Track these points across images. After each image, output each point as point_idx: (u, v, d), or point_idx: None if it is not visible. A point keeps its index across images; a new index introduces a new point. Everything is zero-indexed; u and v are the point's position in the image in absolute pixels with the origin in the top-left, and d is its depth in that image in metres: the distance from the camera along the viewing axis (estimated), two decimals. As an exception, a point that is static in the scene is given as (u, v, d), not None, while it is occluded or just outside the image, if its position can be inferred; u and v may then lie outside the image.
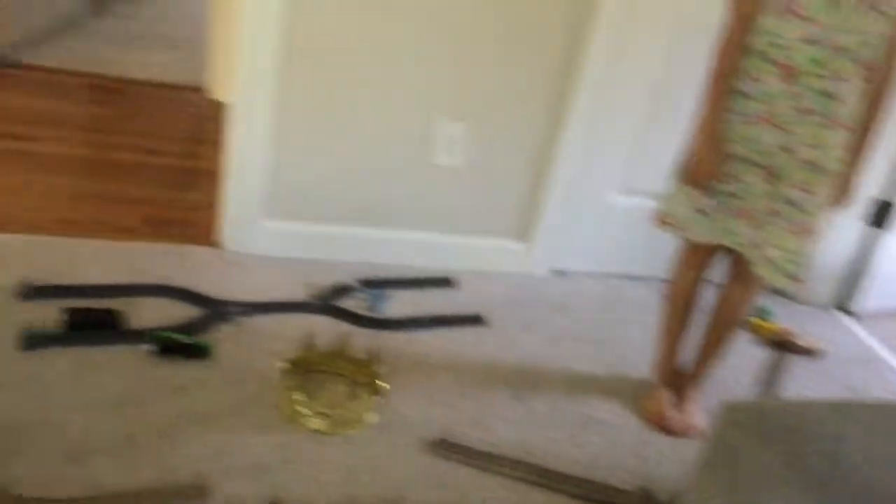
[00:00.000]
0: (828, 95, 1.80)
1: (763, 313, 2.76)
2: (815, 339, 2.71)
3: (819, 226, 1.93)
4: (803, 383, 2.49)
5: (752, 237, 1.95)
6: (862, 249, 2.97)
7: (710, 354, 2.18)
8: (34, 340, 1.92)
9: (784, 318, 2.79)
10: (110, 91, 3.52)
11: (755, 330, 2.71)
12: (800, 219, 1.90)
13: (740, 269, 2.03)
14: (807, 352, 2.64)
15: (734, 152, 1.90)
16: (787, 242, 1.91)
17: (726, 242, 2.01)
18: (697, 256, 2.09)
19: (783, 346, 2.63)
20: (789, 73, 1.80)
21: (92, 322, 2.02)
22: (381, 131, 2.52)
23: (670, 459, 2.04)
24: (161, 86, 3.67)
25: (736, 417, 1.59)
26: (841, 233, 2.88)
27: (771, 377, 2.42)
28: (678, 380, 2.22)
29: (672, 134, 2.44)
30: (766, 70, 1.82)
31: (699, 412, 2.17)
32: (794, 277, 1.94)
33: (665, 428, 2.13)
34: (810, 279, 2.90)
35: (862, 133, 1.88)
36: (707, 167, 1.91)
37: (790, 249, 1.92)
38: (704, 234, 2.01)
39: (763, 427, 1.54)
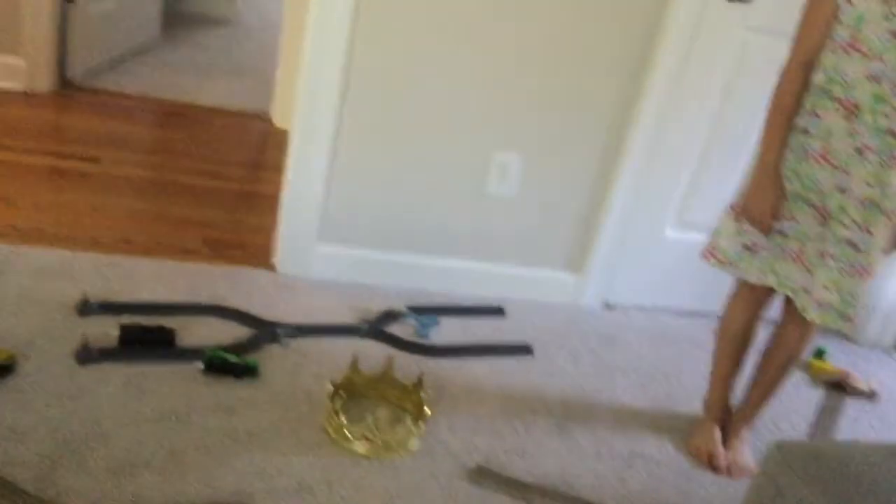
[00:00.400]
0: (890, 134, 1.76)
1: (819, 353, 2.69)
2: (873, 381, 2.63)
3: (877, 266, 1.88)
4: (859, 426, 2.42)
5: (802, 281, 1.92)
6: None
7: (763, 394, 2.13)
8: (89, 355, 1.98)
9: (841, 359, 2.72)
10: (177, 116, 3.63)
11: (811, 370, 2.64)
12: (855, 259, 1.85)
13: (794, 310, 1.99)
14: (863, 394, 2.56)
15: (788, 190, 1.87)
16: (841, 284, 1.87)
17: (773, 285, 1.97)
18: (751, 295, 2.05)
19: (839, 387, 2.56)
20: (850, 111, 1.77)
21: (145, 339, 2.07)
22: (436, 160, 2.55)
23: (716, 498, 1.99)
24: (226, 112, 3.77)
25: (786, 458, 1.55)
26: (904, 273, 2.81)
27: (825, 419, 2.36)
28: (729, 417, 2.18)
29: (729, 169, 2.44)
30: (827, 106, 1.79)
31: (748, 451, 2.12)
32: (849, 319, 1.89)
33: (712, 465, 2.09)
34: (871, 319, 2.86)
35: None
36: (765, 205, 1.88)
37: (845, 290, 1.87)
38: (752, 272, 1.97)
39: (813, 469, 1.50)
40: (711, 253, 2.01)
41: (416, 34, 2.39)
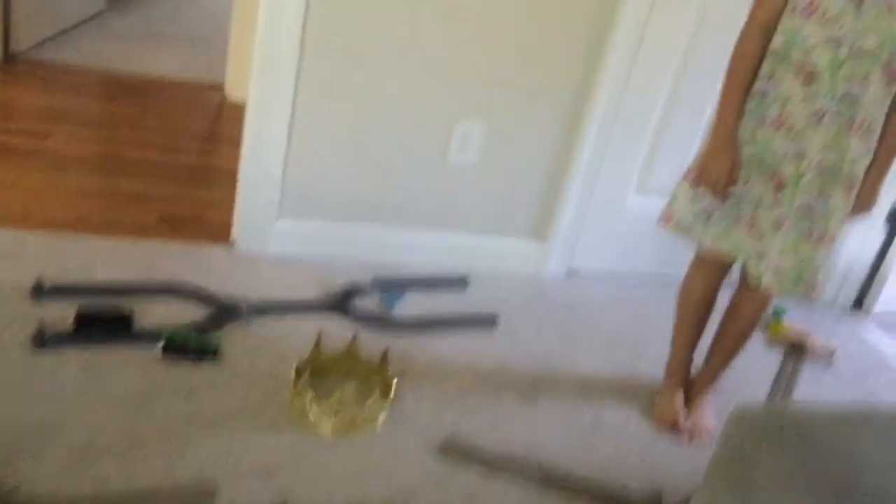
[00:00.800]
0: (848, 100, 1.75)
1: (777, 314, 2.72)
2: (831, 341, 2.67)
3: (837, 232, 1.88)
4: (818, 387, 2.46)
5: (756, 247, 1.92)
6: (881, 252, 2.93)
7: (723, 359, 2.16)
8: (45, 340, 1.93)
9: (799, 320, 2.76)
10: (127, 88, 3.53)
11: (770, 332, 2.67)
12: (813, 225, 1.86)
13: (751, 277, 2.00)
14: (822, 355, 2.60)
15: (745, 155, 1.86)
16: (799, 249, 1.87)
17: (727, 250, 1.97)
18: (709, 262, 2.06)
19: (798, 348, 2.60)
20: (809, 75, 1.76)
21: (102, 321, 2.03)
22: (397, 130, 2.51)
23: (682, 462, 2.02)
24: (179, 84, 3.68)
25: (749, 422, 1.57)
26: (861, 235, 2.84)
27: (785, 380, 2.39)
28: (691, 383, 2.20)
29: (690, 133, 2.45)
30: (785, 71, 1.78)
31: (712, 415, 2.14)
32: (807, 284, 1.90)
33: (676, 429, 2.11)
34: (828, 280, 2.90)
35: (886, 140, 1.83)
36: (720, 170, 1.86)
37: (802, 256, 1.87)
38: (707, 238, 1.97)
39: (776, 432, 1.52)
40: (667, 218, 2.02)
41: (375, 0, 2.34)
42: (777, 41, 1.78)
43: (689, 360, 2.20)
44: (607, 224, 2.76)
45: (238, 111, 2.63)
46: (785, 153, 1.82)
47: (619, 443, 2.05)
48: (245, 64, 3.04)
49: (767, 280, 1.91)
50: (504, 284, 2.65)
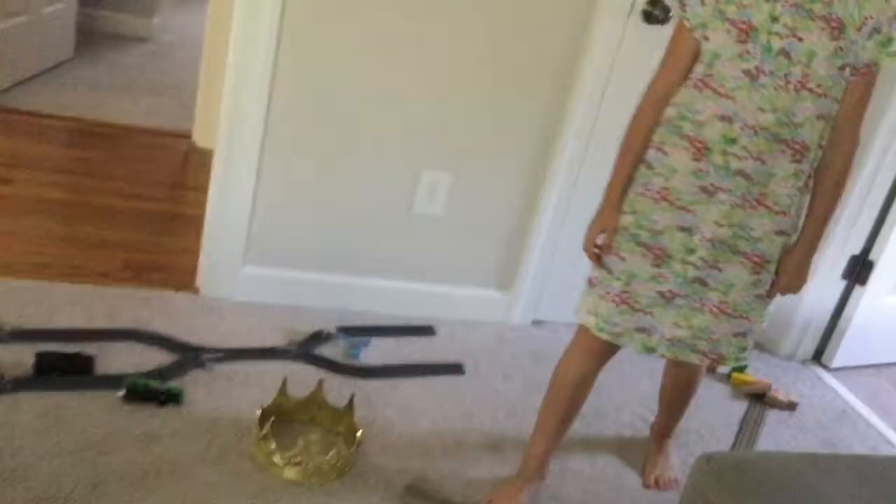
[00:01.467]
0: (741, 175, 1.66)
1: (740, 366, 2.75)
2: (792, 392, 2.71)
3: (739, 306, 1.78)
4: (780, 437, 2.49)
5: (630, 322, 1.80)
6: (840, 304, 2.99)
7: (672, 413, 2.17)
8: (3, 385, 1.90)
9: (761, 371, 2.80)
10: (94, 136, 3.52)
11: (733, 382, 2.70)
12: (704, 295, 1.76)
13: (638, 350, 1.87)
14: (784, 405, 2.63)
15: (621, 225, 1.77)
16: (692, 321, 1.78)
17: (590, 326, 1.83)
18: (588, 341, 1.87)
19: (760, 398, 2.63)
20: (699, 150, 1.67)
21: (62, 367, 2.00)
22: (363, 180, 2.53)
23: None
24: (146, 131, 3.68)
25: (713, 470, 1.58)
26: (819, 288, 2.90)
27: (748, 430, 2.42)
28: (655, 432, 2.20)
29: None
30: (675, 143, 1.70)
31: (675, 464, 2.15)
32: (702, 353, 1.82)
33: None
34: (788, 332, 2.95)
35: (811, 218, 1.76)
36: (592, 233, 1.81)
37: (696, 327, 1.79)
38: (581, 309, 1.87)
39: (740, 480, 1.54)
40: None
41: (343, 51, 2.37)
42: (669, 112, 1.71)
43: (549, 452, 1.99)
44: (572, 275, 2.77)
45: (205, 158, 2.64)
46: (667, 225, 1.72)
47: (586, 492, 2.05)
48: (213, 112, 3.06)
49: (662, 350, 1.83)
50: (469, 333, 2.66)
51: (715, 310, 1.77)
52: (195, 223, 2.59)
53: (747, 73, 1.61)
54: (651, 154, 1.73)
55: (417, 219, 2.61)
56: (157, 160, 3.49)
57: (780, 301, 2.96)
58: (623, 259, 1.77)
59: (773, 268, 1.78)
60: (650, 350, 1.82)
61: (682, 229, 1.72)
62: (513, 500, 1.91)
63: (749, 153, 1.64)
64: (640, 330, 1.80)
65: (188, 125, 3.68)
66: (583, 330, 1.87)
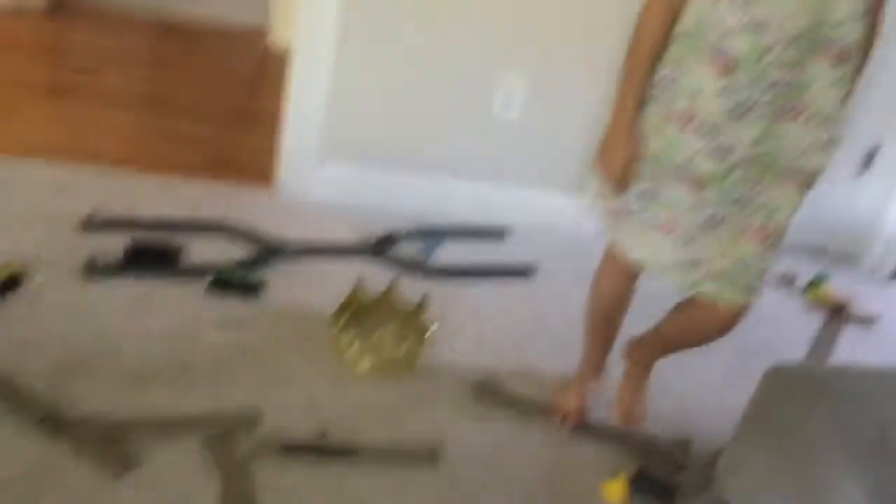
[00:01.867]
0: (781, 87, 1.48)
1: (819, 279, 2.71)
2: (871, 307, 2.66)
3: (772, 226, 1.60)
4: (856, 352, 2.45)
5: (679, 254, 1.62)
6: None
7: (657, 350, 1.93)
8: (96, 270, 1.99)
9: (841, 285, 2.74)
10: (175, 32, 3.57)
11: (811, 295, 2.67)
12: (742, 218, 1.58)
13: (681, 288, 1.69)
14: (862, 320, 2.59)
15: (654, 153, 1.58)
16: (735, 248, 1.60)
17: (641, 259, 1.67)
18: (619, 266, 1.76)
19: (838, 312, 2.59)
20: (726, 65, 1.47)
21: (152, 255, 2.08)
22: (441, 80, 2.52)
23: (714, 416, 2.03)
24: (226, 28, 3.71)
25: (784, 380, 1.58)
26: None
27: (822, 344, 2.39)
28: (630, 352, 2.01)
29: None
30: (696, 59, 1.49)
31: (642, 402, 1.99)
32: (745, 289, 1.63)
33: (564, 424, 1.91)
34: (872, 245, 2.87)
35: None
36: (614, 164, 1.61)
37: (740, 255, 1.60)
38: (619, 243, 1.70)
39: (811, 393, 1.53)
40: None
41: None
42: (687, 22, 1.50)
43: (601, 362, 1.98)
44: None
45: (284, 57, 2.65)
46: (697, 151, 1.53)
47: (651, 394, 2.07)
48: (291, 9, 3.06)
49: (706, 287, 1.62)
50: (543, 237, 2.67)
51: (753, 232, 1.59)
52: (274, 120, 2.63)
53: None
54: (668, 71, 1.54)
55: (495, 120, 2.60)
56: (237, 57, 3.52)
57: (864, 214, 2.91)
58: (662, 188, 1.58)
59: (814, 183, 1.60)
60: (692, 286, 1.63)
61: (716, 152, 1.52)
62: (570, 399, 1.93)
63: (784, 63, 1.45)
64: (688, 264, 1.61)
65: (267, 21, 3.69)
66: (611, 253, 1.76)
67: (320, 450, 1.64)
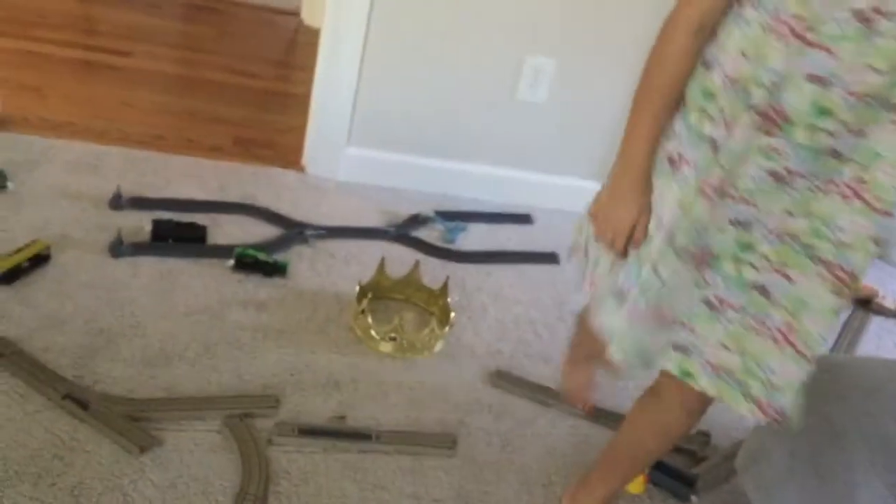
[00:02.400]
0: (836, 154, 1.14)
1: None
2: (900, 300, 2.63)
3: (807, 332, 1.22)
4: (883, 345, 2.43)
5: (665, 338, 1.27)
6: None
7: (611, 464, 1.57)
8: (123, 248, 2.02)
9: (870, 276, 2.70)
10: (206, 11, 3.58)
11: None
12: (767, 312, 1.22)
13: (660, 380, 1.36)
14: (891, 313, 2.56)
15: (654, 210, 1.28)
16: (745, 343, 1.24)
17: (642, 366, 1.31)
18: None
19: (866, 304, 2.56)
20: (773, 121, 1.14)
21: (177, 234, 2.10)
22: (467, 63, 2.51)
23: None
24: (256, 7, 3.71)
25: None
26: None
27: (849, 335, 2.37)
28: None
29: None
30: (736, 109, 1.16)
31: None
32: (764, 407, 1.25)
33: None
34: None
35: None
36: (622, 219, 1.29)
37: (749, 354, 1.24)
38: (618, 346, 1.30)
39: (834, 385, 1.52)
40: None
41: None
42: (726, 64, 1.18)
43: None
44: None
45: (313, 37, 2.65)
46: (713, 221, 1.20)
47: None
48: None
49: (703, 382, 1.27)
50: (567, 223, 2.62)
51: (779, 336, 1.22)
52: (302, 102, 2.63)
53: (859, 14, 1.06)
54: (693, 120, 1.21)
55: (520, 105, 2.58)
56: (267, 37, 3.53)
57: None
58: (660, 260, 1.24)
59: (859, 287, 1.25)
60: (686, 375, 1.28)
61: (737, 223, 1.20)
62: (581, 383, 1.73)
63: (847, 126, 1.12)
64: (676, 347, 1.28)
65: (297, 2, 3.69)
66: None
67: (338, 433, 1.66)
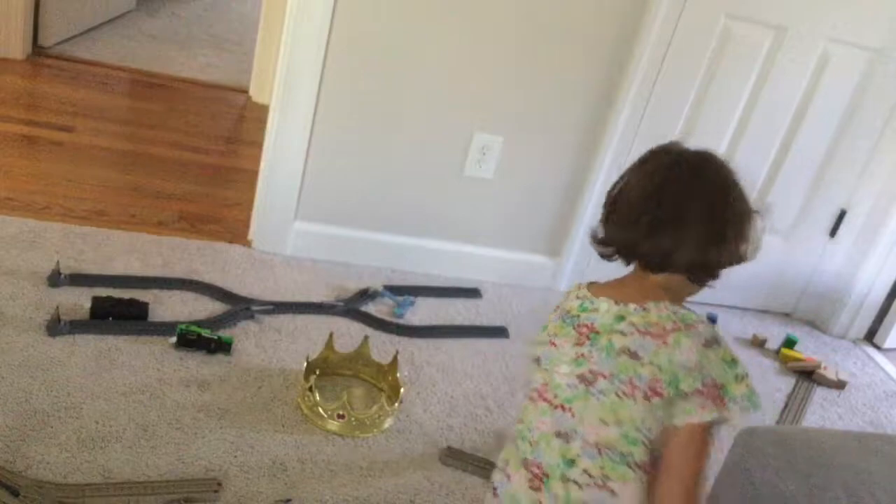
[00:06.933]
0: None
1: (790, 342, 2.72)
2: (842, 371, 2.66)
3: None
4: (827, 415, 2.45)
5: None
6: (894, 285, 2.92)
7: None
8: (60, 326, 1.95)
9: (811, 349, 2.76)
10: (153, 87, 3.58)
11: (782, 359, 2.67)
12: None
13: None
14: (832, 384, 2.59)
15: None
16: None
17: None
18: None
19: (809, 376, 2.59)
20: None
21: (117, 311, 2.05)
22: (415, 140, 2.53)
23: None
24: (204, 85, 3.72)
25: (756, 444, 1.57)
26: (875, 266, 2.85)
27: (794, 407, 2.39)
28: None
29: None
30: None
31: None
32: None
33: None
34: (841, 311, 2.89)
35: None
36: None
37: None
38: None
39: (783, 455, 1.52)
40: None
41: (398, 12, 2.36)
42: None
43: None
44: (622, 243, 2.75)
45: (261, 114, 2.66)
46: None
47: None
48: (270, 68, 3.08)
49: None
50: (516, 298, 2.66)
51: None
52: (249, 177, 2.62)
53: None
54: None
55: (468, 181, 2.61)
56: (214, 114, 3.53)
57: (834, 279, 2.93)
58: None
59: None
60: None
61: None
62: None
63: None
64: None
65: (246, 80, 3.72)
66: None
67: (284, 515, 1.60)
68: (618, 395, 1.18)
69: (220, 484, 1.64)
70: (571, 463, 1.19)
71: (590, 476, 1.18)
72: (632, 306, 1.23)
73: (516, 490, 1.25)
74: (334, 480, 1.75)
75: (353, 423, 1.89)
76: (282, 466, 1.75)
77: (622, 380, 1.18)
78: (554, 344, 1.27)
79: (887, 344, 2.93)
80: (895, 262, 2.87)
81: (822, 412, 2.46)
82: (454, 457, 1.89)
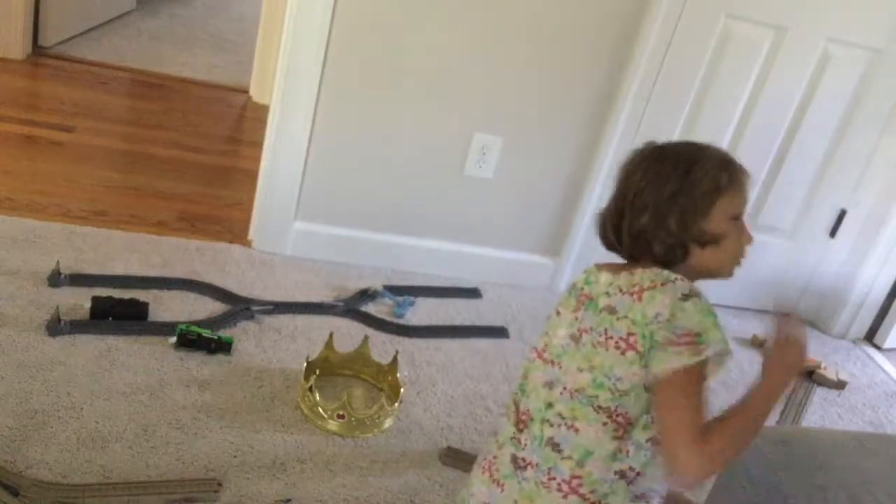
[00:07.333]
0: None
1: (791, 342, 2.72)
2: (842, 371, 2.66)
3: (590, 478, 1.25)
4: (827, 415, 2.45)
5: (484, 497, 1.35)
6: (894, 285, 2.92)
7: None
8: (60, 327, 1.95)
9: (811, 349, 2.74)
10: (153, 87, 3.57)
11: (782, 359, 2.67)
12: (556, 465, 1.27)
13: None
14: (833, 384, 2.59)
15: None
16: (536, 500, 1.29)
17: None
18: None
19: (809, 376, 2.59)
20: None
21: (117, 312, 2.05)
22: (415, 139, 2.53)
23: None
24: (205, 85, 3.72)
25: (756, 446, 1.57)
26: (876, 266, 2.85)
27: (794, 407, 2.38)
28: None
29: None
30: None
31: None
32: None
33: None
34: (841, 311, 2.89)
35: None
36: None
37: None
38: None
39: (782, 455, 1.52)
40: None
41: (398, 11, 2.36)
42: None
43: None
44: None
45: (262, 114, 2.66)
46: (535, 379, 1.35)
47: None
48: (270, 68, 3.08)
49: None
50: (516, 298, 2.66)
51: (563, 485, 1.27)
52: (250, 177, 2.62)
53: None
54: None
55: (468, 181, 2.61)
56: (215, 114, 3.53)
57: (834, 279, 2.93)
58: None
59: None
60: None
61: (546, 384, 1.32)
62: None
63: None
64: None
65: (246, 80, 3.71)
66: None
67: (284, 515, 1.60)
68: (593, 345, 1.27)
69: (220, 484, 1.64)
70: (550, 406, 1.30)
71: (561, 417, 1.28)
72: (623, 273, 1.32)
73: (504, 436, 1.36)
74: (334, 480, 1.75)
75: (353, 423, 1.89)
76: (282, 466, 1.75)
77: (598, 332, 1.27)
78: (558, 312, 1.38)
79: (887, 344, 2.93)
80: (895, 262, 2.87)
81: (822, 412, 2.46)
82: (454, 457, 1.89)
